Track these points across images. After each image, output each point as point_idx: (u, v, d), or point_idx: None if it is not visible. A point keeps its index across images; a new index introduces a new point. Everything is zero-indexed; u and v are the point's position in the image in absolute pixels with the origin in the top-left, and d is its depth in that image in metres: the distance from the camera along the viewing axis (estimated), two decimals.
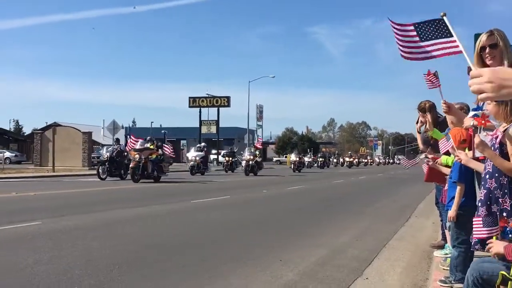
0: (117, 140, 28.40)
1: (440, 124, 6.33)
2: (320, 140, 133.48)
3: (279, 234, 9.08)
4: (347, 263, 6.77)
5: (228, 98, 63.32)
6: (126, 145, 26.80)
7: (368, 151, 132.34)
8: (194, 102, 64.11)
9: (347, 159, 74.32)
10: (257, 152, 35.84)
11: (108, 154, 25.36)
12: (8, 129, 79.98)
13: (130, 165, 23.04)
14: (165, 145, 26.44)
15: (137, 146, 23.71)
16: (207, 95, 64.85)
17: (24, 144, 71.31)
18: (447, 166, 5.50)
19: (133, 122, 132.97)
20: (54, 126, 46.34)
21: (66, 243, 7.57)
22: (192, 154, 33.90)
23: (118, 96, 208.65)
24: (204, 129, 63.83)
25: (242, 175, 33.31)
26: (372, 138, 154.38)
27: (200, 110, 63.71)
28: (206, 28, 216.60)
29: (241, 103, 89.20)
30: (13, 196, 14.93)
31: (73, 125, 50.76)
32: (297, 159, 45.23)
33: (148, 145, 24.12)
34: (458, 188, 4.91)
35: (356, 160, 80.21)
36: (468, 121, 4.03)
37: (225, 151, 34.81)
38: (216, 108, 63.65)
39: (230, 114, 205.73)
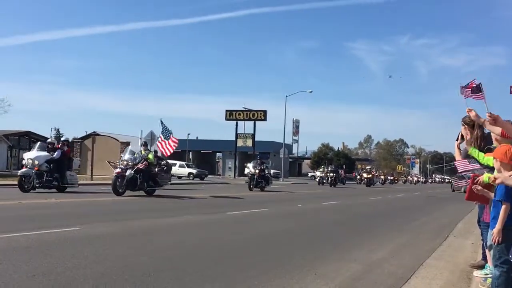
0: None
1: (485, 139, 6.18)
2: (356, 157, 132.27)
3: (315, 247, 9.01)
4: (383, 280, 6.66)
5: (264, 112, 63.55)
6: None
7: (405, 169, 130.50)
8: (231, 115, 64.54)
9: (364, 175, 57.71)
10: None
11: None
12: (49, 137, 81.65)
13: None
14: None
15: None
16: (244, 109, 65.21)
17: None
18: (488, 184, 5.37)
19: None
20: (93, 135, 47.17)
21: (104, 249, 7.66)
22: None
23: (156, 108, 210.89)
24: (240, 142, 64.14)
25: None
26: (409, 156, 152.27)
27: (236, 123, 64.10)
28: (245, 42, 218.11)
29: (278, 118, 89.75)
30: (52, 202, 15.23)
31: (112, 135, 51.52)
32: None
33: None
34: (504, 207, 4.79)
35: (383, 177, 73.36)
36: None
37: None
38: (252, 122, 63.91)
39: (266, 128, 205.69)
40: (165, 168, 23.47)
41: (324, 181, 47.69)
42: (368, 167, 63.94)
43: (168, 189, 23.30)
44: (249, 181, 30.31)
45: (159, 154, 21.96)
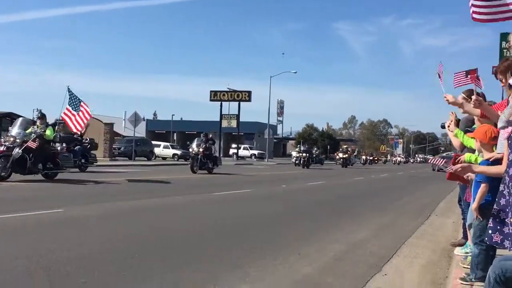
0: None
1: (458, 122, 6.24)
2: (340, 137, 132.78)
3: (298, 228, 9.07)
4: (366, 259, 6.74)
5: (249, 92, 63.38)
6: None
7: (388, 149, 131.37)
8: (215, 95, 64.28)
9: (340, 155, 54.61)
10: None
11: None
12: (32, 118, 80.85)
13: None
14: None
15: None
16: (228, 89, 64.98)
17: None
18: (469, 163, 5.42)
19: (154, 114, 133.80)
20: None
21: (87, 230, 7.65)
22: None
23: (140, 89, 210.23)
24: (224, 123, 64.00)
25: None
26: (393, 136, 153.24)
27: (221, 104, 63.90)
28: (230, 23, 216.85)
29: (262, 98, 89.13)
30: (35, 184, 15.10)
31: (95, 116, 51.12)
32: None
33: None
34: (482, 185, 4.85)
35: (365, 157, 72.19)
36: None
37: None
38: (237, 103, 63.75)
39: (251, 108, 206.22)
40: (89, 146, 23.05)
41: (297, 162, 44.15)
42: (345, 146, 59.75)
43: (90, 172, 21.61)
44: (192, 162, 25.85)
45: (74, 130, 18.13)
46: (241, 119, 64.14)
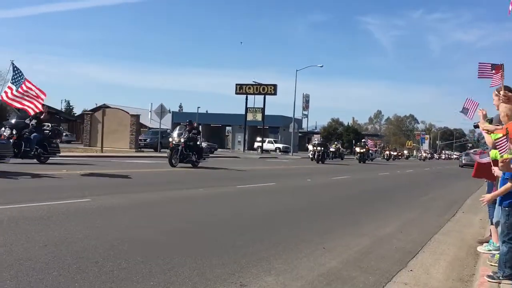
0: None
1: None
2: (366, 132, 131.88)
3: (324, 222, 9.06)
4: (391, 254, 6.71)
5: (274, 86, 63.24)
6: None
7: (415, 145, 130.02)
8: (241, 89, 64.31)
9: (357, 149, 49.71)
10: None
11: None
12: (59, 109, 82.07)
13: None
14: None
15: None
16: (254, 83, 64.92)
17: (74, 124, 73.12)
18: (495, 160, 5.36)
19: (180, 106, 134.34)
20: (103, 107, 47.33)
21: (115, 220, 7.76)
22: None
23: (166, 81, 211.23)
24: (249, 116, 64.02)
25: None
26: (419, 132, 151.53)
27: (246, 97, 63.91)
28: (256, 16, 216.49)
29: (288, 92, 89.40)
30: (64, 174, 15.33)
31: (122, 107, 51.68)
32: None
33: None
34: (509, 183, 4.80)
35: (388, 152, 67.84)
36: None
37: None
38: (262, 96, 63.68)
39: (276, 102, 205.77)
40: (50, 134, 19.45)
41: (312, 156, 40.86)
42: (363, 140, 53.81)
43: (52, 164, 18.61)
44: (170, 154, 21.93)
45: (32, 113, 15.53)
46: (266, 113, 64.04)
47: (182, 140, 21.88)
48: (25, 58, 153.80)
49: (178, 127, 23.46)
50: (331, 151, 47.24)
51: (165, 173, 18.61)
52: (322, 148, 39.73)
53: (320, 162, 38.43)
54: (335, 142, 54.13)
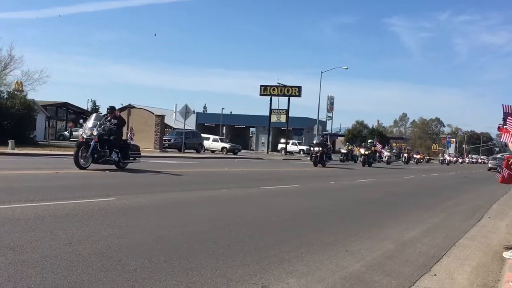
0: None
1: None
2: (390, 135, 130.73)
3: (346, 225, 9.01)
4: (415, 258, 6.64)
5: (299, 88, 63.13)
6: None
7: (440, 148, 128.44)
8: (265, 90, 64.32)
9: (362, 150, 42.68)
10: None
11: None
12: (86, 109, 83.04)
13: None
14: None
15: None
16: (279, 84, 64.91)
17: None
18: None
19: (205, 107, 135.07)
20: (129, 108, 47.81)
21: (138, 219, 7.81)
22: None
23: (191, 82, 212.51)
24: (273, 118, 64.00)
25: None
26: (445, 136, 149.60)
27: (270, 98, 63.90)
28: (281, 18, 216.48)
29: (312, 94, 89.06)
30: (87, 172, 15.50)
31: (147, 108, 52.09)
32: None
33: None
34: None
35: (407, 155, 62.80)
36: None
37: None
38: (286, 97, 63.63)
39: (300, 104, 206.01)
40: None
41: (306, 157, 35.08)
42: (369, 140, 48.56)
43: None
44: (76, 151, 16.38)
45: None
46: (290, 114, 63.94)
47: (95, 132, 16.63)
48: (57, 58, 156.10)
49: (93, 116, 18.12)
50: (343, 153, 44.34)
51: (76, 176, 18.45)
52: (321, 148, 33.59)
53: (319, 164, 33.25)
54: (347, 144, 51.61)
